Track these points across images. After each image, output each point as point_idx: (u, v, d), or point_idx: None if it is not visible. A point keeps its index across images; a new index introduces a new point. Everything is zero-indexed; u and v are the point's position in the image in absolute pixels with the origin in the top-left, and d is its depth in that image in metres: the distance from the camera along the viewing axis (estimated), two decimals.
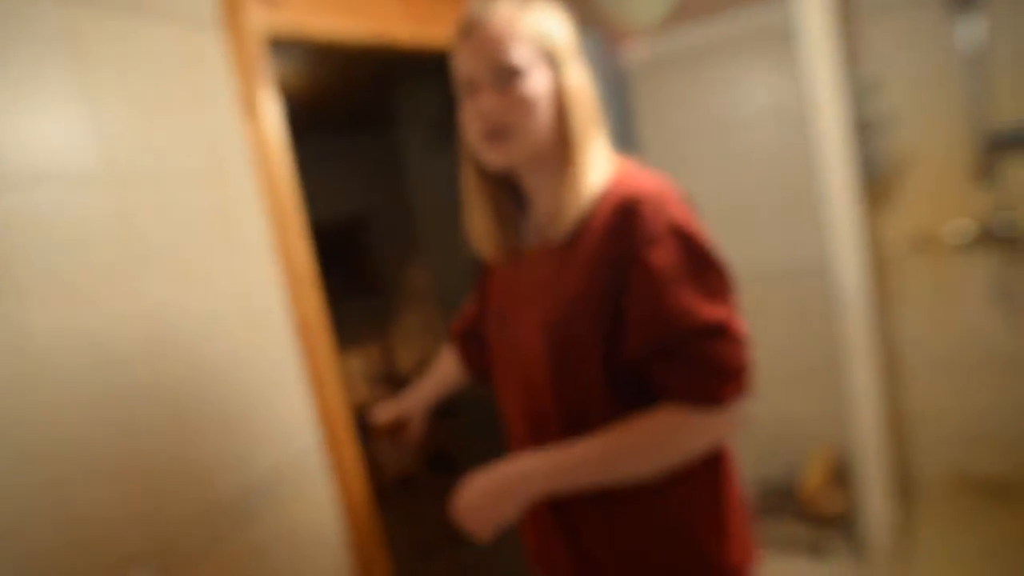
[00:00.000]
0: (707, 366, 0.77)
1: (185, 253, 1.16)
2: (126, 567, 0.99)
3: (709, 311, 0.77)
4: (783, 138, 2.63)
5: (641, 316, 0.79)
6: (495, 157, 0.85)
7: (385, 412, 1.25)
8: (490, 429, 2.29)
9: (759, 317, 2.80)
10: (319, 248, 1.39)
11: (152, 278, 1.10)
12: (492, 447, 2.30)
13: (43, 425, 0.92)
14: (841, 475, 2.58)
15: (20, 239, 0.92)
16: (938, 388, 2.54)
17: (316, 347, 1.38)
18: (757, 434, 2.90)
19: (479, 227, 0.95)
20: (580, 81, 0.87)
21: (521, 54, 0.82)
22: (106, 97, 1.06)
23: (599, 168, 0.85)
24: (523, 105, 0.82)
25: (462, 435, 2.47)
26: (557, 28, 0.87)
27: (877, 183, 2.41)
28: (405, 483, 3.07)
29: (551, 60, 0.85)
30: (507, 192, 0.96)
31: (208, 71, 1.25)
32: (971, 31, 2.21)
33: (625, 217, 0.79)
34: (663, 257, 0.77)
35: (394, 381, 3.70)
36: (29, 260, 0.93)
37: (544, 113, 0.84)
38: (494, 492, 0.81)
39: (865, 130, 2.27)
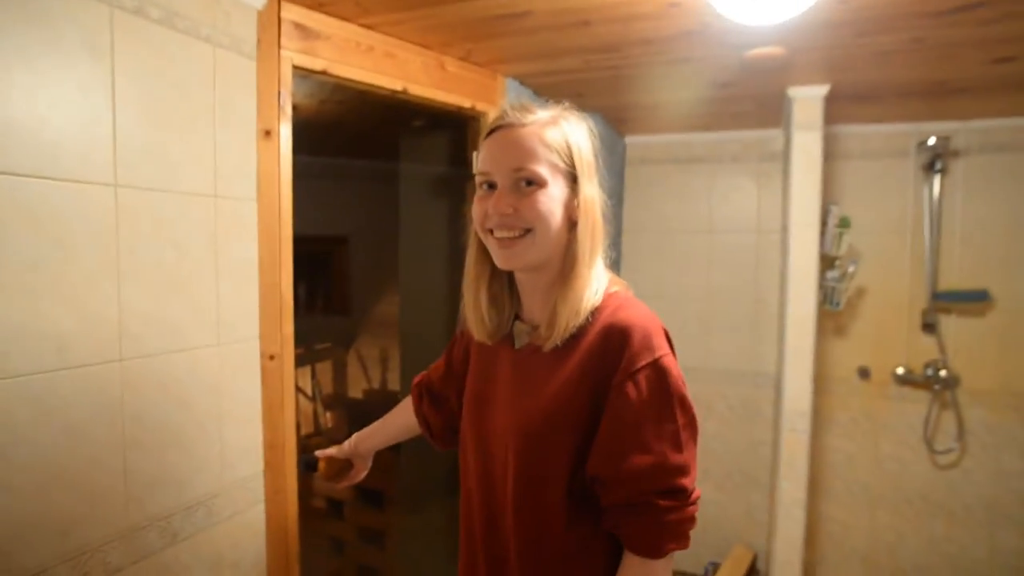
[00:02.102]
0: (659, 525, 0.80)
1: (173, 269, 1.19)
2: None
3: (674, 462, 0.80)
4: (756, 250, 2.79)
5: (601, 444, 0.81)
6: (504, 259, 0.88)
7: (332, 461, 1.25)
8: (428, 470, 2.30)
9: (705, 413, 2.90)
10: (296, 258, 1.42)
11: (134, 288, 1.11)
12: (426, 488, 2.31)
13: None
14: None
15: (16, 230, 0.94)
16: (853, 510, 2.67)
17: (278, 378, 1.40)
18: None
19: (473, 310, 0.97)
20: (592, 199, 0.90)
21: (544, 166, 0.86)
22: (131, 105, 1.09)
23: (597, 286, 0.88)
24: (538, 214, 0.85)
25: (397, 472, 2.48)
26: (582, 145, 0.90)
27: (833, 314, 2.57)
28: (331, 506, 3.03)
29: (570, 176, 0.89)
30: (504, 282, 0.99)
31: (233, 95, 1.29)
32: (936, 192, 2.43)
33: (614, 343, 0.82)
34: (643, 393, 0.80)
35: (342, 406, 3.67)
36: (19, 252, 0.95)
37: (556, 224, 0.86)
38: None
39: (833, 263, 2.43)
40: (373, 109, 2.32)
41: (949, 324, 2.48)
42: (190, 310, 1.22)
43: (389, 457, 2.26)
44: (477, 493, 0.96)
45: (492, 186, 0.89)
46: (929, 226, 2.44)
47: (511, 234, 0.86)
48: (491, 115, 1.94)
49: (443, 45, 1.69)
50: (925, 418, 2.50)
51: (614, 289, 0.91)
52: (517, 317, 0.98)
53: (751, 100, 2.23)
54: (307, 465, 1.28)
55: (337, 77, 1.47)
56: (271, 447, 1.40)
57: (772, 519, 2.20)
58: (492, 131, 0.90)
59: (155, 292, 1.15)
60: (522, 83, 2.07)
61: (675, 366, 0.84)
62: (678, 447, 0.81)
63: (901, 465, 2.59)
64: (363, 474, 1.27)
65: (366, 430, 1.27)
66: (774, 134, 2.71)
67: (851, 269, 2.39)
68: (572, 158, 0.89)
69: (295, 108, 1.40)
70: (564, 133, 0.89)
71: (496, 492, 0.92)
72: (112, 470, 1.09)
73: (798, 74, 1.91)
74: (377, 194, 3.44)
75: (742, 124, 2.66)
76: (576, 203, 0.89)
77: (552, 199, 0.86)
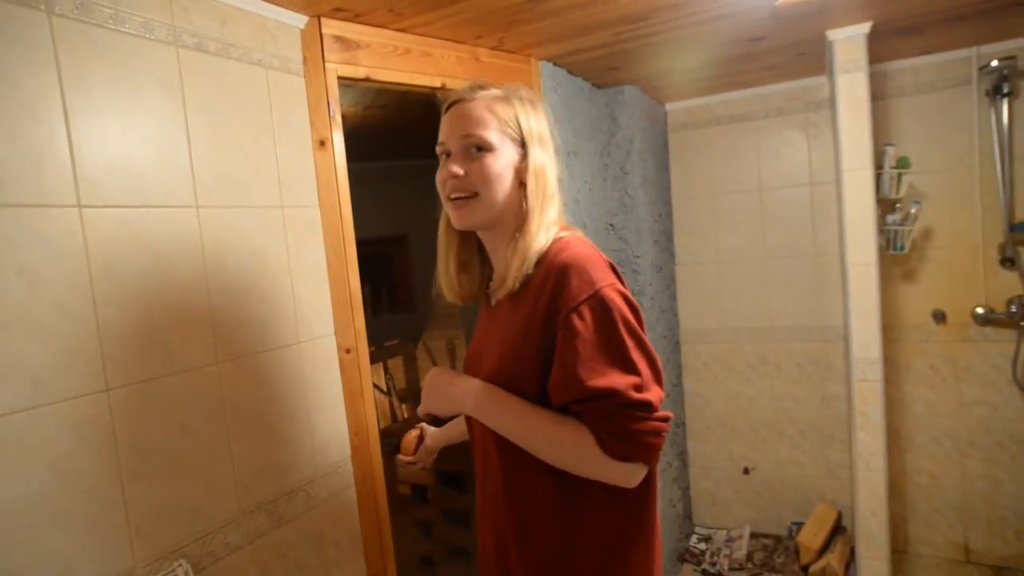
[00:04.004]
0: (608, 428, 0.85)
1: (253, 276, 1.31)
2: (171, 558, 1.11)
3: (609, 380, 0.84)
4: (811, 203, 2.72)
5: (556, 378, 0.88)
6: (457, 219, 0.99)
7: (410, 442, 1.35)
8: None
9: (773, 372, 2.87)
10: (361, 262, 1.53)
11: (222, 296, 1.24)
12: None
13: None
14: (839, 535, 2.62)
15: (125, 253, 1.07)
16: (941, 461, 2.58)
17: (355, 369, 1.51)
18: (759, 486, 2.95)
19: (444, 274, 1.08)
20: (543, 163, 0.98)
21: (492, 132, 0.95)
22: (202, 134, 1.21)
23: (544, 237, 0.95)
24: (484, 176, 0.94)
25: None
26: (531, 116, 0.99)
27: (900, 258, 2.48)
28: (415, 492, 3.19)
29: (520, 142, 0.97)
30: (473, 247, 1.09)
31: (287, 111, 1.40)
32: (1005, 118, 2.29)
33: (556, 282, 0.88)
34: (588, 324, 0.85)
35: (416, 398, 3.83)
36: (127, 272, 1.08)
37: (504, 186, 0.95)
38: (442, 387, 1.00)
39: (893, 206, 2.35)
40: (416, 108, 2.41)
41: None
42: (272, 312, 1.34)
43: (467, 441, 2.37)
44: (476, 446, 1.06)
45: (449, 155, 0.99)
46: (1000, 155, 2.31)
47: (462, 195, 0.96)
48: None
49: (475, 38, 1.75)
50: (1013, 357, 2.38)
51: (562, 235, 0.97)
52: (491, 279, 1.07)
53: (789, 50, 2.18)
54: (394, 449, 1.39)
55: (379, 82, 1.56)
56: (355, 434, 1.51)
57: (853, 472, 2.16)
58: (448, 107, 1.00)
59: (241, 298, 1.28)
60: (556, 64, 2.11)
61: (616, 295, 0.88)
62: (630, 368, 0.86)
63: (990, 409, 2.48)
64: (431, 461, 1.37)
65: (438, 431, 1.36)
66: (819, 81, 2.62)
67: (913, 210, 2.30)
68: (520, 126, 0.97)
69: (345, 117, 1.50)
70: (513, 105, 0.98)
71: (487, 443, 1.00)
72: (221, 459, 1.22)
73: (835, 16, 1.85)
74: (429, 190, 3.54)
75: (783, 76, 2.59)
76: (525, 166, 0.97)
77: (500, 163, 0.95)
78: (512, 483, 0.96)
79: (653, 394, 0.86)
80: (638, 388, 0.85)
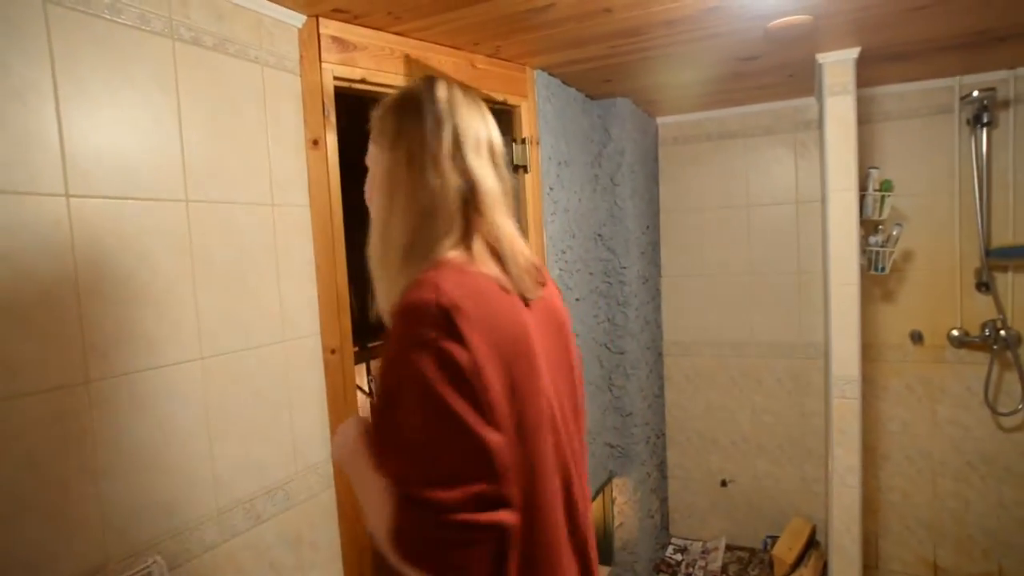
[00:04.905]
0: (397, 523, 0.69)
1: (240, 273, 1.30)
2: (145, 554, 1.10)
3: (395, 466, 0.71)
4: (796, 222, 2.77)
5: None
6: None
7: None
8: None
9: (754, 387, 2.91)
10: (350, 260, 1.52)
11: (208, 292, 1.23)
12: None
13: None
14: (812, 549, 2.65)
15: (111, 247, 1.06)
16: (913, 479, 2.63)
17: (340, 370, 1.51)
18: (736, 498, 2.97)
19: None
20: (385, 168, 0.84)
21: (372, 146, 0.87)
22: (195, 127, 1.21)
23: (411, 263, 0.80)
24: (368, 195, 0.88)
25: None
26: (386, 113, 0.86)
27: (880, 279, 2.53)
28: None
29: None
30: None
31: (282, 109, 1.40)
32: (984, 147, 2.35)
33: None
34: (377, 387, 0.74)
35: None
36: (114, 267, 1.07)
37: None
38: (337, 438, 0.85)
39: (876, 228, 2.40)
40: None
41: (1006, 281, 2.41)
42: (258, 310, 1.34)
43: None
44: None
45: None
46: (978, 182, 2.37)
47: None
48: (523, 108, 2.01)
49: (472, 44, 1.76)
50: (985, 380, 2.44)
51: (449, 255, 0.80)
52: None
53: (780, 71, 2.22)
54: None
55: (375, 84, 1.56)
56: None
57: (828, 488, 2.20)
58: None
59: (227, 295, 1.27)
60: (551, 73, 2.13)
61: (425, 358, 0.68)
62: (398, 450, 0.70)
63: (963, 430, 2.53)
64: None
65: None
66: (808, 103, 2.68)
67: (895, 232, 2.35)
68: (379, 129, 0.86)
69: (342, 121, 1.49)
70: (380, 106, 0.87)
71: None
72: (200, 455, 1.21)
73: (826, 39, 1.89)
74: None
75: (773, 96, 2.64)
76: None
77: (374, 177, 0.86)
78: None
79: (449, 492, 0.66)
80: (401, 480, 0.69)
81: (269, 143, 1.36)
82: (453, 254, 0.79)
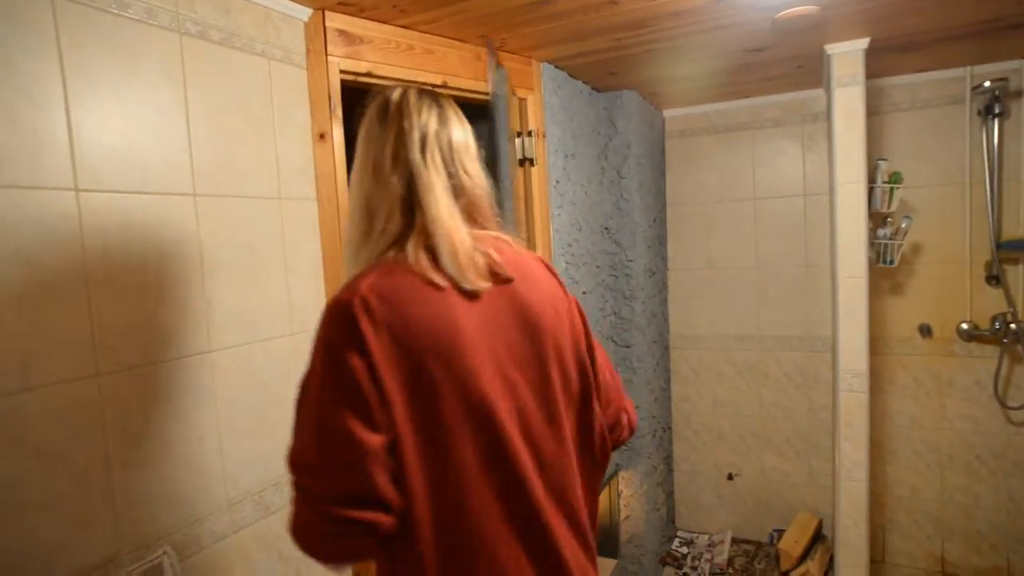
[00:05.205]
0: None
1: (248, 267, 1.30)
2: (155, 545, 1.11)
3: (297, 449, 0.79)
4: (804, 214, 2.75)
5: None
6: None
7: None
8: None
9: (761, 380, 2.90)
10: None
11: (217, 285, 1.24)
12: None
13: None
14: (819, 543, 2.65)
15: (122, 241, 1.07)
16: (922, 473, 2.61)
17: None
18: (743, 492, 2.97)
19: None
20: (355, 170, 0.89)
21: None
22: (202, 122, 1.21)
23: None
24: None
25: None
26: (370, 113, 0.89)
27: (889, 272, 2.51)
28: None
29: None
30: None
31: (289, 103, 1.40)
32: (996, 138, 2.33)
33: None
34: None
35: None
36: (127, 260, 1.08)
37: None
38: None
39: (884, 220, 2.38)
40: None
41: (1016, 274, 2.39)
42: (265, 303, 1.34)
43: None
44: None
45: None
46: (989, 174, 2.35)
47: None
48: (529, 100, 2.00)
49: (478, 37, 1.75)
50: (995, 374, 2.42)
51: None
52: None
53: (788, 62, 2.20)
54: None
55: (381, 77, 1.56)
56: None
57: (835, 482, 2.19)
58: None
59: (235, 288, 1.28)
60: (557, 66, 2.12)
61: (320, 358, 0.77)
62: (295, 437, 0.80)
63: (972, 423, 2.52)
64: None
65: None
66: (816, 94, 2.65)
67: (904, 225, 2.33)
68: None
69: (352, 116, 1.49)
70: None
71: None
72: (211, 449, 1.22)
73: (834, 30, 1.87)
74: None
75: (781, 88, 2.62)
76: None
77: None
78: None
79: (322, 484, 0.75)
80: (302, 460, 0.77)
81: (276, 137, 1.37)
82: (390, 254, 0.82)
